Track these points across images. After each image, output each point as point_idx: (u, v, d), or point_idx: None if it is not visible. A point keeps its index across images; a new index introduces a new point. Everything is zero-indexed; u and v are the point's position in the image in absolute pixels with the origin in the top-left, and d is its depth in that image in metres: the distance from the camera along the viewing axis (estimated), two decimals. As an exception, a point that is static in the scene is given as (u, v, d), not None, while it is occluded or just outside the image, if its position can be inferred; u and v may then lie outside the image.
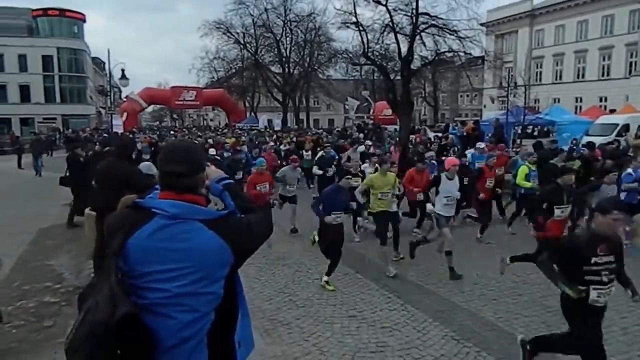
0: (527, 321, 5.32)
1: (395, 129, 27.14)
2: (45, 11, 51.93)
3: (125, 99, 43.32)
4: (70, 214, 9.88)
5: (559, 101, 35.48)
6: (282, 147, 17.48)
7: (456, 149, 14.63)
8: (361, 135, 23.17)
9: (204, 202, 1.86)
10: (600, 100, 35.98)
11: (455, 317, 5.38)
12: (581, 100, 37.86)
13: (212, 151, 13.15)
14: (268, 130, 32.83)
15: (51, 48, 51.11)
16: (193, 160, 1.86)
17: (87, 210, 7.67)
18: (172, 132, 33.07)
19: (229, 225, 1.82)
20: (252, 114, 46.49)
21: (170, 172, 1.80)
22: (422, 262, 7.36)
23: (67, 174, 10.31)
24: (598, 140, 15.07)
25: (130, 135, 21.84)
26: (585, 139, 16.25)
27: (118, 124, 33.01)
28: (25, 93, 50.70)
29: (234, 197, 2.04)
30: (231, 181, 2.15)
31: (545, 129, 22.14)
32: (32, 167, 19.73)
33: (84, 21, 55.69)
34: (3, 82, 49.65)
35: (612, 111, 26.51)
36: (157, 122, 78.88)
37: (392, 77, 24.06)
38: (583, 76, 39.24)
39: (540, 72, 42.79)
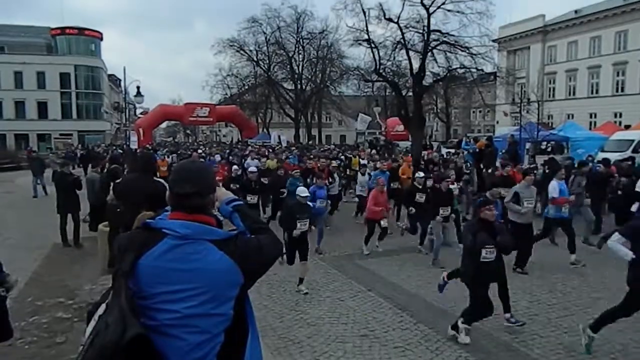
0: (543, 342, 5.20)
1: (407, 146, 27.14)
2: (63, 30, 53.34)
3: (139, 116, 43.92)
4: (75, 235, 9.73)
5: (572, 117, 35.17)
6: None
7: (468, 164, 14.49)
8: (374, 151, 23.14)
9: (214, 223, 1.86)
10: (615, 115, 35.65)
11: (469, 337, 5.27)
12: (595, 116, 37.53)
13: (302, 191, 7.39)
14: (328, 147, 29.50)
15: (69, 66, 52.47)
16: (204, 181, 1.87)
17: (100, 226, 7.76)
18: (199, 151, 23.70)
19: (239, 246, 1.81)
20: (265, 130, 46.88)
21: (181, 192, 1.81)
22: (434, 280, 7.26)
23: (57, 194, 9.93)
24: (613, 157, 14.88)
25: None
26: (601, 155, 16.06)
27: (135, 140, 33.37)
28: (42, 109, 51.99)
29: (244, 218, 2.03)
30: (241, 202, 2.14)
31: (560, 145, 21.97)
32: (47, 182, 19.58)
33: (101, 39, 57.05)
34: (22, 99, 50.94)
35: (627, 127, 26.22)
36: (171, 138, 79.85)
37: (404, 94, 24.14)
38: (597, 92, 38.95)
39: (553, 88, 42.60)
